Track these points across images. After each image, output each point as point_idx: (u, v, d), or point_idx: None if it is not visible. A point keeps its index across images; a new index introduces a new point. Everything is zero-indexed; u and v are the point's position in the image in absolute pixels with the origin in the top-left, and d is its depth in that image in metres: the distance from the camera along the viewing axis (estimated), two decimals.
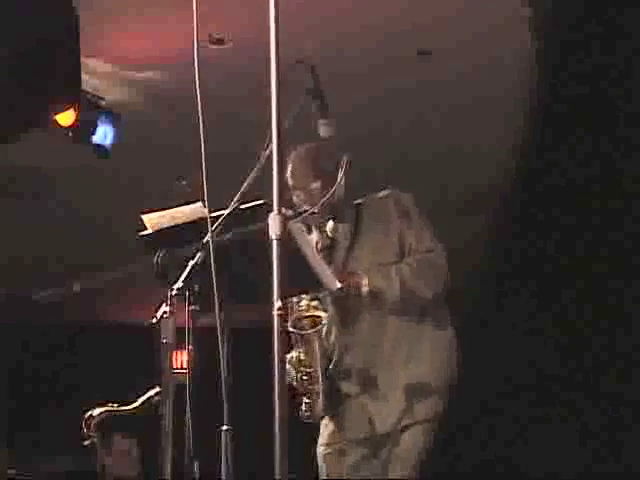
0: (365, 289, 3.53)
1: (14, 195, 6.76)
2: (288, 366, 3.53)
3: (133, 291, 6.37)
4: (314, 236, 3.76)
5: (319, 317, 3.50)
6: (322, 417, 3.62)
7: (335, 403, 3.65)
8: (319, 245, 3.73)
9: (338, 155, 3.66)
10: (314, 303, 3.51)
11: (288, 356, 3.58)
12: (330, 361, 3.65)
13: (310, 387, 3.56)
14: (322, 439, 3.68)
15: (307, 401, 3.56)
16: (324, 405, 3.58)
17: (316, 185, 3.65)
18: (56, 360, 9.54)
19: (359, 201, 3.77)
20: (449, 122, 5.96)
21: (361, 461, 3.61)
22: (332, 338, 3.67)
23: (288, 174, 3.68)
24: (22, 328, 9.19)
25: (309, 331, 3.49)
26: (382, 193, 3.76)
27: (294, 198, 3.68)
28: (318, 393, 3.55)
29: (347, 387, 3.63)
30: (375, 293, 3.54)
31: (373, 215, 3.71)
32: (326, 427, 3.67)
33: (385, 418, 3.56)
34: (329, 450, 3.67)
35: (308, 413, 3.57)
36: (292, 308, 3.48)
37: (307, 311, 3.50)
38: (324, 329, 3.59)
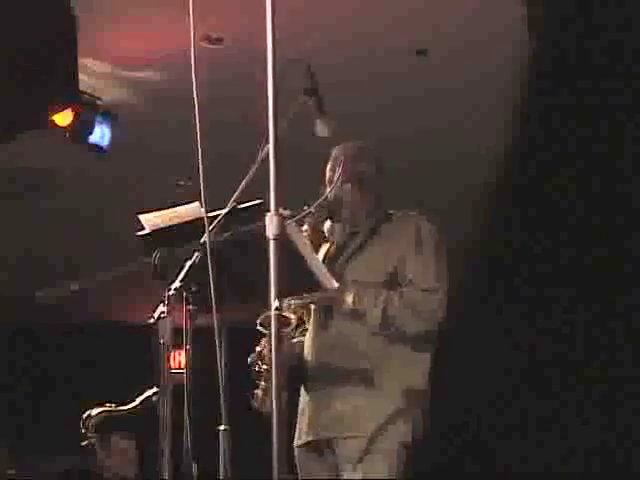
0: (347, 307, 3.50)
1: (13, 195, 6.76)
2: (250, 359, 3.56)
3: (131, 291, 6.37)
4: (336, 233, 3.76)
5: (289, 319, 3.49)
6: (265, 413, 3.58)
7: (305, 402, 3.63)
8: (331, 246, 3.72)
9: (377, 159, 3.71)
10: (294, 305, 3.51)
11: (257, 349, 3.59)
12: (297, 360, 3.64)
13: (264, 383, 3.54)
14: (296, 438, 3.65)
15: (257, 392, 3.55)
16: (275, 402, 3.57)
17: (347, 185, 3.64)
18: (54, 360, 9.54)
19: (385, 213, 3.72)
20: (448, 122, 5.96)
21: (333, 461, 3.54)
22: (308, 336, 3.68)
23: (328, 167, 3.69)
24: (20, 328, 9.19)
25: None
26: (408, 214, 3.70)
27: (325, 190, 3.66)
28: (269, 389, 3.52)
29: (316, 387, 3.60)
30: (356, 312, 3.50)
31: (389, 231, 3.66)
32: (299, 427, 3.65)
33: (352, 422, 3.49)
34: (301, 449, 3.62)
35: (256, 404, 3.55)
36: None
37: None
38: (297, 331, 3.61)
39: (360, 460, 3.44)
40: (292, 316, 3.49)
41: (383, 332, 3.50)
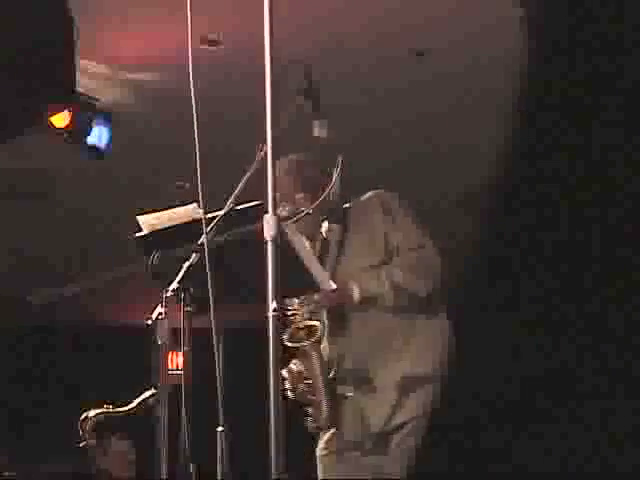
0: (357, 298, 3.54)
1: (12, 196, 6.76)
2: (286, 377, 3.56)
3: (129, 292, 6.37)
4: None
5: (314, 327, 3.51)
6: (329, 427, 3.61)
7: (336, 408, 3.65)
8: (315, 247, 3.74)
9: (323, 163, 3.71)
10: (306, 314, 3.52)
11: (286, 370, 3.58)
12: (330, 369, 3.65)
13: (312, 398, 3.56)
14: (321, 442, 3.68)
15: (311, 412, 3.57)
16: (329, 414, 3.58)
17: (300, 196, 3.67)
18: (52, 362, 9.53)
19: (347, 205, 3.76)
20: (444, 121, 5.96)
21: (357, 463, 3.59)
22: (325, 343, 3.69)
23: (284, 179, 3.65)
24: (17, 330, 9.18)
25: (306, 343, 3.50)
26: (367, 195, 3.73)
27: (280, 209, 3.67)
28: (321, 403, 3.55)
29: (344, 390, 3.62)
30: (368, 299, 3.55)
31: (359, 217, 3.70)
32: (325, 433, 3.67)
33: (378, 415, 3.54)
34: (326, 453, 3.66)
35: (314, 424, 3.58)
36: (287, 321, 3.49)
37: (302, 322, 3.51)
38: (322, 338, 3.62)
39: (389, 445, 3.52)
40: (317, 323, 3.51)
41: (400, 302, 3.55)
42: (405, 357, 3.57)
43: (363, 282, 3.55)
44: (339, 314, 3.64)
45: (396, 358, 3.57)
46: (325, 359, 3.65)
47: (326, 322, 3.67)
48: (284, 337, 3.45)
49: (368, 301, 3.56)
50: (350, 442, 3.61)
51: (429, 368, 3.56)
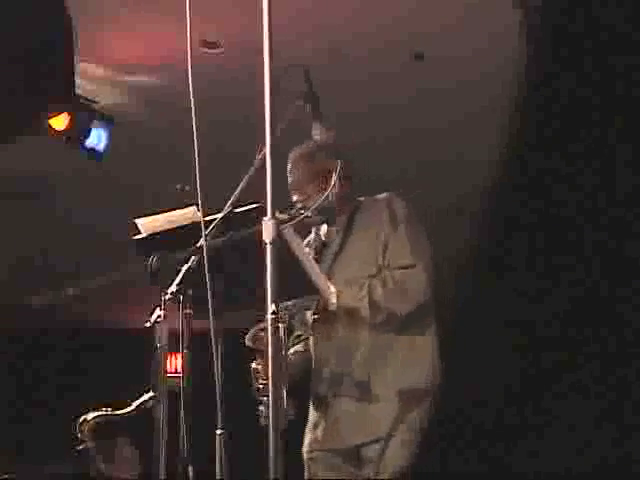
0: (333, 306, 3.49)
1: (10, 196, 6.76)
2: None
3: (129, 294, 6.37)
4: (310, 238, 3.77)
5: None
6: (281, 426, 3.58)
7: (315, 412, 3.64)
8: (313, 250, 3.73)
9: (337, 158, 3.64)
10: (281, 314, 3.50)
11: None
12: (297, 369, 3.65)
13: (266, 399, 3.52)
14: (305, 444, 3.66)
15: (261, 409, 3.51)
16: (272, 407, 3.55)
17: (312, 186, 3.62)
18: (50, 364, 9.53)
19: (355, 203, 3.72)
20: (445, 126, 5.96)
21: (341, 470, 3.56)
22: (311, 347, 3.69)
23: (287, 173, 3.68)
24: (17, 332, 9.18)
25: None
26: (379, 196, 3.69)
27: (293, 197, 3.67)
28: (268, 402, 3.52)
29: (325, 395, 3.60)
30: (345, 310, 3.50)
31: (364, 220, 3.66)
32: (309, 433, 3.66)
33: (362, 427, 3.49)
34: (311, 456, 3.64)
35: (264, 421, 3.54)
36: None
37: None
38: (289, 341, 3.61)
39: (381, 458, 3.46)
40: (281, 325, 3.47)
41: (377, 320, 3.49)
42: (387, 372, 3.51)
43: (343, 294, 3.49)
44: (323, 317, 3.61)
45: (378, 373, 3.51)
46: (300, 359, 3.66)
47: (310, 324, 3.65)
48: (246, 337, 3.44)
49: (346, 313, 3.51)
50: (331, 451, 3.57)
51: (414, 384, 3.50)
